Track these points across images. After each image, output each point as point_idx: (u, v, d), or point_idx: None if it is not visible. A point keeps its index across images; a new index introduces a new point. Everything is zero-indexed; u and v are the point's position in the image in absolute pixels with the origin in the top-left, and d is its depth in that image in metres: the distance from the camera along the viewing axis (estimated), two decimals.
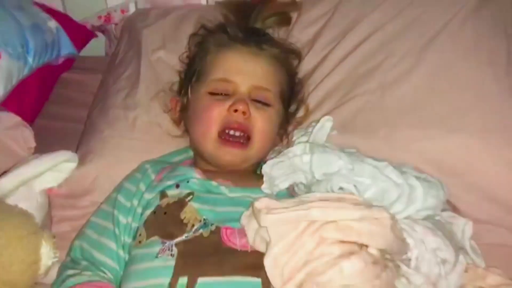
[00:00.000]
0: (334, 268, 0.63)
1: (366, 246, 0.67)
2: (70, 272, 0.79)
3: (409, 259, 0.75)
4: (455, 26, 0.98)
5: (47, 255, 0.74)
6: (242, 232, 0.74)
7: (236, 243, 0.74)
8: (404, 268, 0.75)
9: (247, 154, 0.89)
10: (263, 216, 0.68)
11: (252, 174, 0.92)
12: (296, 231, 0.66)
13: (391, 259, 0.73)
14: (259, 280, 0.69)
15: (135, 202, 0.86)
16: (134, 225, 0.84)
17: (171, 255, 0.74)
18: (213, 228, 0.76)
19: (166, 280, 0.71)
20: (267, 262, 0.67)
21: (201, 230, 0.76)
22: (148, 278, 0.73)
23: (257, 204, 0.70)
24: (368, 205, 0.70)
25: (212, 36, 0.99)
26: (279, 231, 0.67)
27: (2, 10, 0.98)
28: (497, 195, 0.87)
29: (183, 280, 0.71)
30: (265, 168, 0.84)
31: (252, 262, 0.71)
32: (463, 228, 0.83)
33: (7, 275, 0.67)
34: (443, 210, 0.86)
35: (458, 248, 0.81)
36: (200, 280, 0.70)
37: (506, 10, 1.01)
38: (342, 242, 0.65)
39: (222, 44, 0.95)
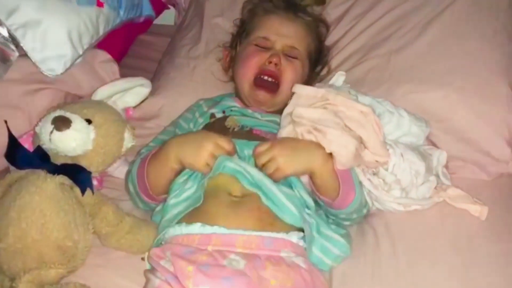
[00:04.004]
0: (310, 109, 0.91)
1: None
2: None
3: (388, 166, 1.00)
4: (456, 8, 1.20)
5: (128, 139, 1.02)
6: (267, 132, 1.03)
7: (262, 136, 1.03)
8: (382, 171, 0.99)
9: (275, 99, 1.12)
10: (297, 85, 0.97)
11: (279, 111, 1.19)
12: (310, 101, 0.94)
13: (374, 166, 0.98)
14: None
15: (191, 125, 1.14)
16: None
17: None
18: (247, 129, 1.05)
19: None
20: (284, 112, 0.97)
21: (239, 131, 1.04)
22: None
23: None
24: (362, 103, 0.95)
25: (261, 3, 1.25)
26: (300, 97, 0.95)
27: None
28: (470, 137, 1.09)
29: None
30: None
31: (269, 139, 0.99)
32: (438, 156, 1.06)
33: (103, 142, 0.96)
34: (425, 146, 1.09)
35: (432, 173, 1.04)
36: (233, 140, 0.98)
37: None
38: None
39: (267, 9, 1.21)
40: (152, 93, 1.26)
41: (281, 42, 1.15)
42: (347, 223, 1.01)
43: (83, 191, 0.89)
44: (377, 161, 0.95)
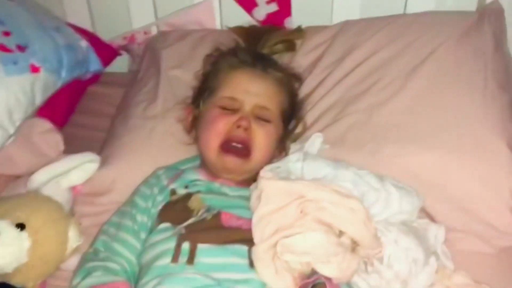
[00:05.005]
0: (299, 235, 0.74)
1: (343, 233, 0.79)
2: (88, 265, 0.87)
3: (382, 257, 0.86)
4: (439, 55, 1.09)
5: (74, 238, 0.86)
6: (238, 217, 0.88)
7: (233, 224, 0.87)
8: (377, 264, 0.85)
9: (246, 165, 0.99)
10: (263, 181, 0.80)
11: (251, 180, 1.04)
12: (285, 201, 0.78)
13: (365, 257, 0.84)
14: (246, 248, 0.82)
15: (150, 203, 0.98)
16: (149, 223, 0.95)
17: (179, 234, 0.86)
18: (214, 212, 0.89)
19: (172, 245, 0.84)
20: (254, 218, 0.79)
21: (205, 215, 0.89)
22: (159, 247, 0.86)
23: (262, 173, 0.83)
24: (348, 195, 0.81)
25: (225, 57, 1.10)
26: (271, 196, 0.79)
27: (42, 32, 1.12)
28: (469, 206, 0.97)
29: (186, 245, 0.84)
30: (264, 171, 0.95)
31: (244, 236, 0.83)
32: (436, 233, 0.93)
33: (41, 250, 0.80)
34: (419, 218, 0.96)
35: (430, 252, 0.91)
36: (200, 246, 0.83)
37: (486, 41, 1.11)
38: (320, 221, 0.77)
39: (233, 65, 1.06)
40: (103, 163, 1.10)
41: (250, 102, 1.01)
42: None
43: None
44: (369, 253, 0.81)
